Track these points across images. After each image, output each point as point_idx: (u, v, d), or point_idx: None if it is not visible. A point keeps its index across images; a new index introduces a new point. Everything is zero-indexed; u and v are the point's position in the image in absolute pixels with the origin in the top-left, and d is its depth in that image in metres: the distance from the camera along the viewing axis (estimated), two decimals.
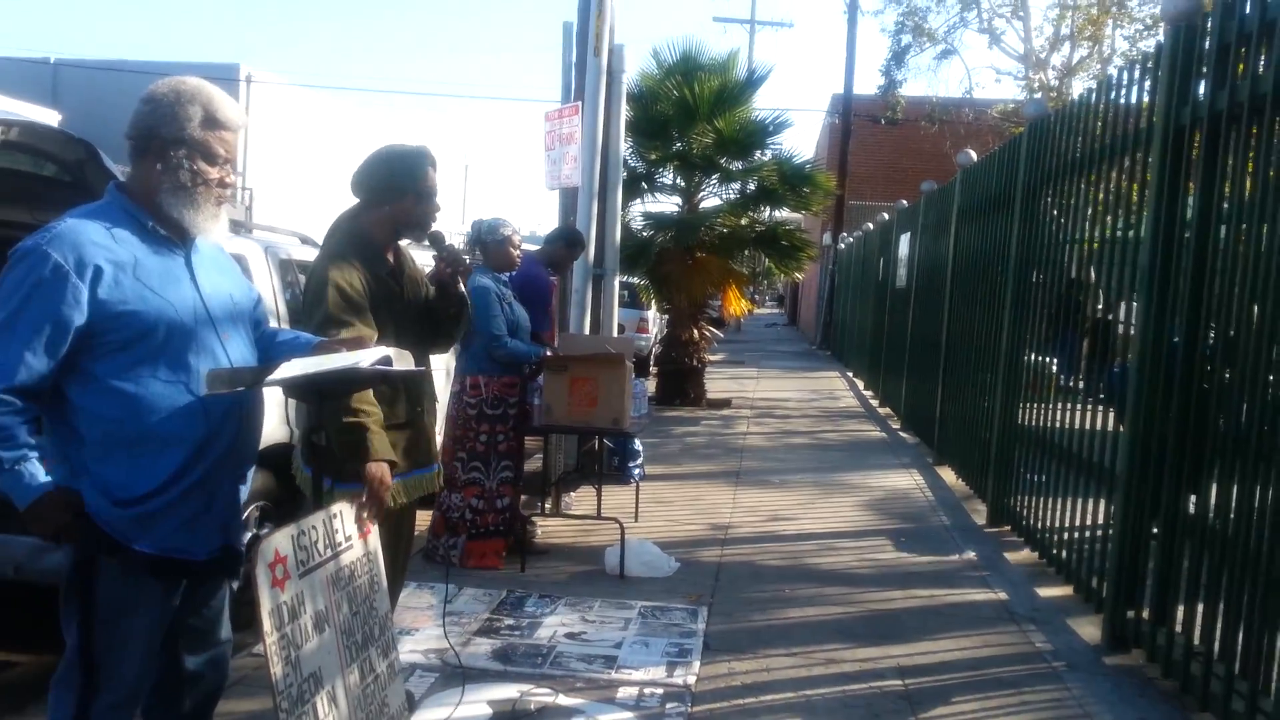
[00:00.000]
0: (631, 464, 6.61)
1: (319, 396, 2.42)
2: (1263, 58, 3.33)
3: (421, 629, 3.90)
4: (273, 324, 2.77)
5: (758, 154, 11.47)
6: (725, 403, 11.41)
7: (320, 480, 2.51)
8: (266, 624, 2.01)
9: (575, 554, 5.11)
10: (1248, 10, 3.42)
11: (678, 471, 7.39)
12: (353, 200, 3.06)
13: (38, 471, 2.05)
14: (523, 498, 5.23)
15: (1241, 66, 3.49)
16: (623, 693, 3.42)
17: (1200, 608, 3.48)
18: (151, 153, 2.21)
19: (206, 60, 20.33)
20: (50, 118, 13.04)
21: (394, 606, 2.99)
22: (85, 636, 2.14)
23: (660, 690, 3.45)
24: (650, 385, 11.27)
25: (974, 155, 8.01)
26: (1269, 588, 3.05)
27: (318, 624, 2.19)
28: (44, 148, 3.36)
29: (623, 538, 4.81)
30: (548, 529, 5.46)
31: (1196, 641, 3.49)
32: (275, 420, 3.05)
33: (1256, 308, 3.27)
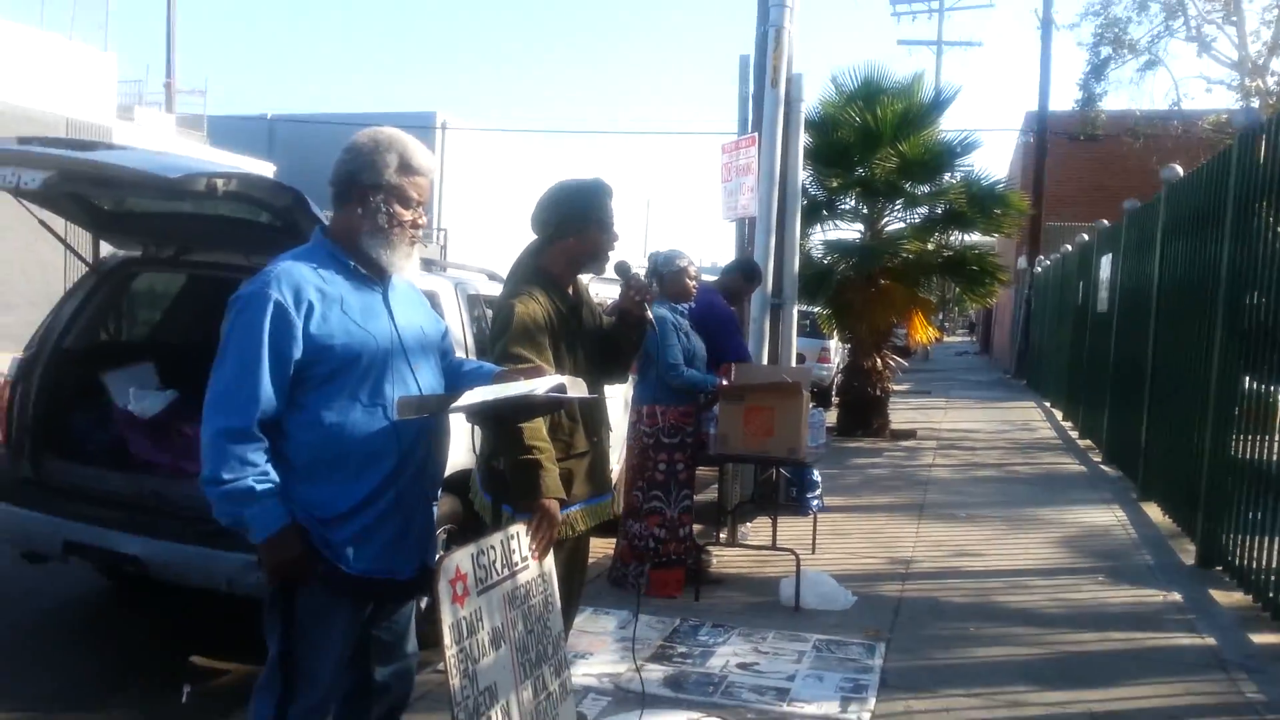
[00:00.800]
0: (809, 495, 6.54)
1: (497, 422, 2.55)
2: None
3: (596, 653, 3.99)
4: (459, 355, 2.94)
5: (945, 176, 11.13)
6: (910, 434, 11.10)
7: (500, 506, 2.64)
8: (447, 637, 2.13)
9: (750, 584, 5.09)
10: None
11: (857, 503, 7.25)
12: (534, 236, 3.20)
13: (280, 505, 2.22)
14: (696, 527, 5.27)
15: None
16: None
17: None
18: (353, 198, 2.41)
19: (406, 110, 21.71)
20: (266, 169, 14.26)
21: (568, 629, 3.08)
22: (285, 646, 2.32)
23: None
24: (831, 415, 11.10)
25: (1180, 170, 7.53)
26: None
27: (494, 640, 2.30)
28: (258, 196, 3.68)
29: (798, 569, 4.77)
30: (723, 559, 5.47)
31: None
32: (462, 447, 3.22)
33: None
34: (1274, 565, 4.64)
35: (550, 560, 2.66)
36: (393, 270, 2.45)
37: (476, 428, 2.89)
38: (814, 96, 10.64)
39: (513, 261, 3.21)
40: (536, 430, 2.74)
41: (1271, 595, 4.61)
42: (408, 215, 2.42)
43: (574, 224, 3.07)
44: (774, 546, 5.37)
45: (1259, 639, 4.39)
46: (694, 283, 5.10)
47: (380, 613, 2.50)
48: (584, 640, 4.08)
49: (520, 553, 2.50)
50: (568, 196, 3.10)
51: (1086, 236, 12.25)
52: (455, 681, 2.12)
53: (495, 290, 5.25)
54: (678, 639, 4.22)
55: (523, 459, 2.69)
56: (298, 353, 2.25)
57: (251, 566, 2.33)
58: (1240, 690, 3.81)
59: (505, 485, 2.71)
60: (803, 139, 7.08)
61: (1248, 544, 5.03)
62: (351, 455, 2.31)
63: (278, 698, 2.33)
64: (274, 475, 2.22)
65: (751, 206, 6.49)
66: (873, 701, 3.61)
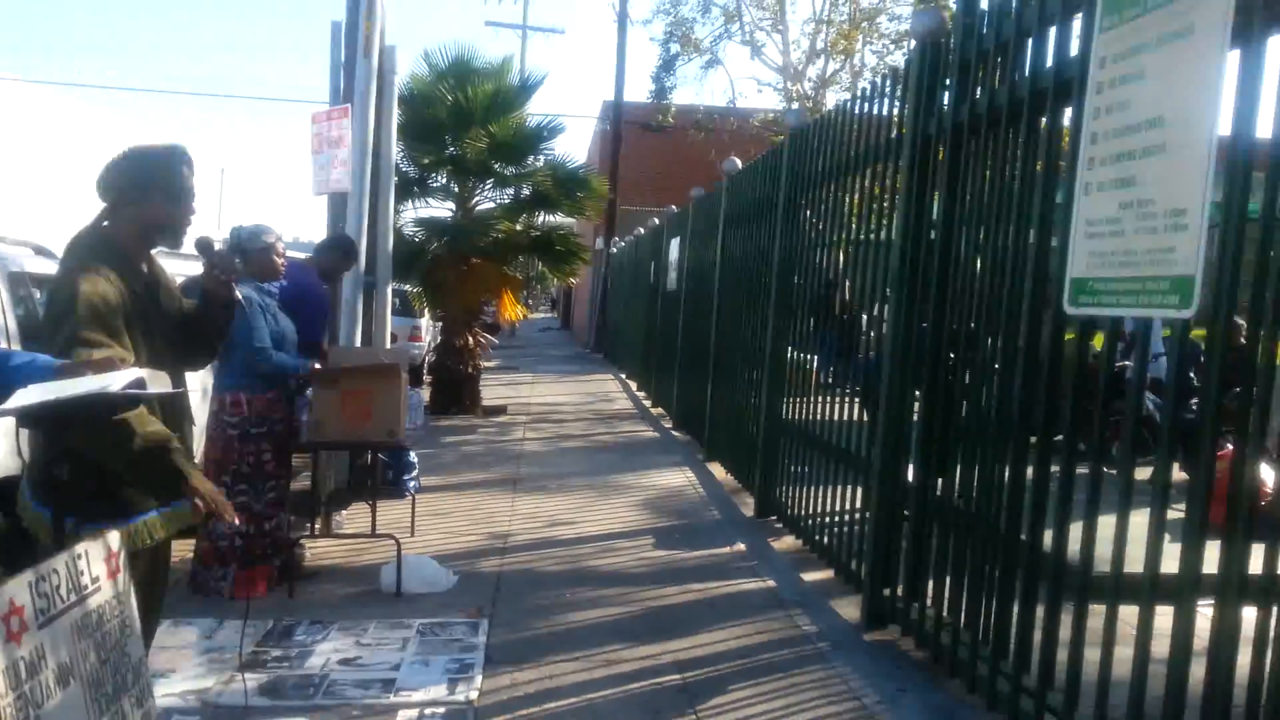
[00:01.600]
0: (406, 477, 6.45)
1: (61, 426, 2.20)
2: (998, 75, 3.65)
3: (179, 669, 3.63)
4: (3, 345, 2.50)
5: (531, 159, 11.46)
6: (501, 409, 11.35)
7: (62, 520, 2.30)
8: (1, 684, 1.81)
9: (348, 575, 4.92)
10: (985, 31, 3.74)
11: (454, 482, 7.28)
12: (99, 207, 2.80)
13: None
14: (290, 519, 4.98)
15: (980, 83, 3.81)
16: (402, 716, 3.32)
17: (948, 582, 3.79)
18: None
19: None
20: None
21: (149, 648, 2.77)
22: None
23: (442, 709, 3.38)
24: (424, 394, 11.04)
25: (739, 162, 8.34)
26: (1006, 561, 3.36)
27: (61, 678, 1.99)
28: None
29: (399, 554, 4.68)
30: (317, 550, 5.23)
31: (945, 614, 3.80)
32: (3, 451, 2.76)
33: (990, 303, 3.59)
34: (816, 511, 5.35)
35: (126, 577, 2.35)
36: None
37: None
38: (406, 71, 10.44)
39: (74, 234, 2.79)
40: (142, 416, 2.45)
41: (817, 538, 5.31)
42: None
43: (145, 194, 2.73)
44: (373, 533, 5.23)
45: (809, 577, 5.05)
46: (282, 260, 4.79)
47: None
48: (164, 656, 3.69)
49: (90, 573, 2.18)
50: (140, 162, 2.75)
51: (657, 221, 13.23)
52: None
53: (45, 268, 4.58)
54: (271, 642, 3.96)
55: (147, 448, 2.42)
56: None
57: None
58: (797, 624, 4.34)
59: (68, 495, 2.37)
60: (396, 113, 6.91)
61: (796, 495, 5.75)
62: None
63: None
64: None
65: (344, 181, 6.22)
66: (479, 679, 3.64)
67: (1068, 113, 3.18)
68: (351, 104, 6.27)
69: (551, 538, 5.77)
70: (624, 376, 15.85)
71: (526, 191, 11.53)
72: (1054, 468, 3.21)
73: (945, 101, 4.07)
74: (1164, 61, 2.63)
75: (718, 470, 7.88)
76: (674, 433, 10.07)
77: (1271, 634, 2.27)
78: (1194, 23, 2.53)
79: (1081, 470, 3.00)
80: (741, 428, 7.18)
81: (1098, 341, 3.15)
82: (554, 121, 11.53)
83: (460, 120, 10.62)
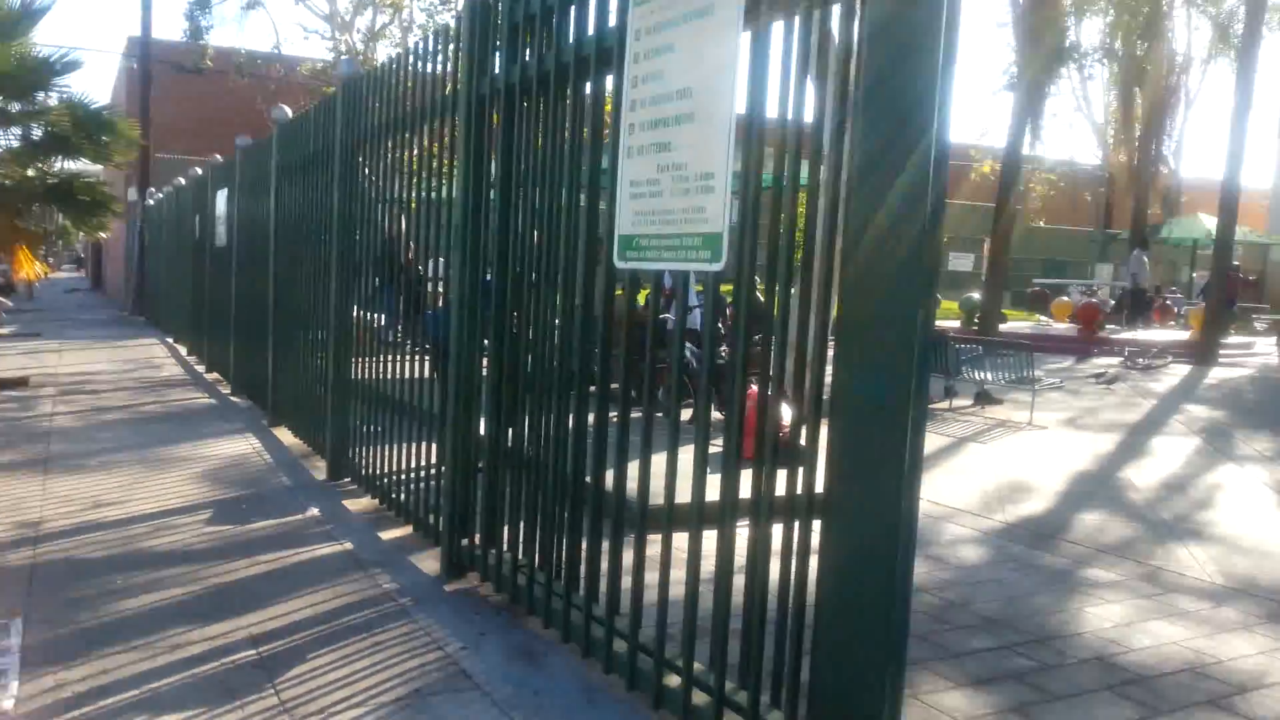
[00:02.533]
0: None
1: None
2: (545, 40, 3.80)
3: None
4: None
5: (43, 96, 10.04)
6: (21, 381, 9.92)
7: None
8: None
9: None
10: None
11: None
12: None
13: None
14: None
15: (529, 46, 3.94)
16: None
17: (521, 527, 3.99)
18: None
19: None
20: None
21: None
22: None
23: None
24: None
25: (289, 111, 7.94)
26: (573, 502, 3.61)
27: None
28: None
29: None
30: None
31: (521, 557, 4.00)
32: None
33: (547, 259, 3.79)
34: (392, 470, 5.35)
35: None
36: None
37: None
38: None
39: None
40: None
41: (394, 496, 5.32)
42: None
43: None
44: None
45: (387, 535, 5.05)
46: None
47: None
48: None
49: None
50: None
51: (200, 170, 12.23)
52: None
53: None
54: None
55: None
56: None
57: None
58: (378, 583, 4.34)
59: None
60: None
61: (370, 455, 5.70)
62: None
63: None
64: None
65: None
66: (15, 686, 3.22)
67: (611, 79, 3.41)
68: None
69: (95, 520, 5.19)
70: (172, 340, 14.55)
71: (39, 132, 10.09)
72: (611, 413, 3.50)
73: (497, 63, 4.18)
74: (689, 37, 2.93)
75: (285, 435, 7.56)
76: (233, 398, 9.47)
77: (795, 546, 2.67)
78: (713, 3, 2.84)
79: (635, 414, 3.30)
80: (309, 390, 6.93)
81: (641, 298, 3.47)
82: (69, 54, 10.16)
83: None
